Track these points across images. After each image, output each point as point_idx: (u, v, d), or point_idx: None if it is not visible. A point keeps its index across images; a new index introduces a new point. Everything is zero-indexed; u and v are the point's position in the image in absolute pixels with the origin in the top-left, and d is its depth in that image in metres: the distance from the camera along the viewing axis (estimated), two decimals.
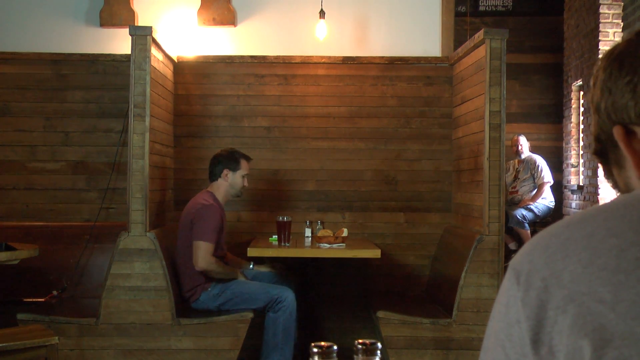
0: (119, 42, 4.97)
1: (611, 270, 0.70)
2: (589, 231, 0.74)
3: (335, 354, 0.93)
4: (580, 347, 0.69)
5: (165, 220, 4.69)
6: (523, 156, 7.58)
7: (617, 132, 0.85)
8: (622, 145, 0.85)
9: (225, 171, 4.36)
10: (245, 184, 4.42)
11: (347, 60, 5.09)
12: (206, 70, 5.10)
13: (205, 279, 4.25)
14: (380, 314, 4.23)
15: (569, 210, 8.21)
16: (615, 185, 0.89)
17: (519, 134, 7.76)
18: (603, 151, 0.90)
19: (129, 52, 4.27)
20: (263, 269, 4.58)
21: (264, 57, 5.09)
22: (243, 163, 4.40)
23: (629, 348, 0.66)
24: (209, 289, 4.24)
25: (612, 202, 0.78)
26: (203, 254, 4.17)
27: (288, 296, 4.14)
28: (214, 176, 4.40)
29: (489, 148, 4.28)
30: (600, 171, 7.08)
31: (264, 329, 4.19)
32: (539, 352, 0.72)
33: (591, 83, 0.91)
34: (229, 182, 4.37)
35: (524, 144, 7.62)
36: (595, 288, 0.70)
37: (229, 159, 4.37)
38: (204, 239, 4.17)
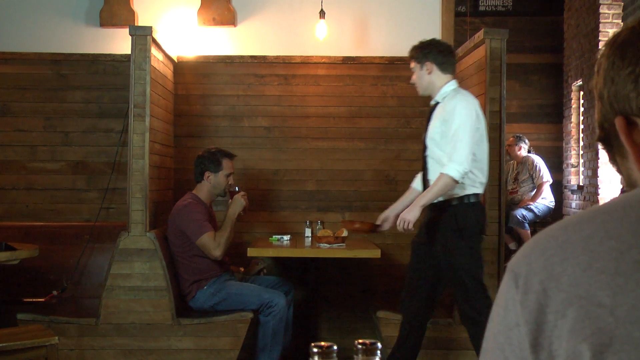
0: (119, 42, 4.97)
1: (610, 273, 0.69)
2: (587, 234, 0.73)
3: (335, 354, 0.92)
4: (580, 352, 0.68)
5: (165, 220, 4.69)
6: (509, 157, 7.56)
7: (618, 124, 0.84)
8: (622, 137, 0.83)
9: (206, 173, 4.36)
10: (231, 182, 4.42)
11: (347, 60, 5.09)
12: (206, 70, 5.10)
13: (200, 278, 4.27)
14: (380, 314, 4.23)
15: (569, 210, 8.21)
16: (619, 172, 0.88)
17: (515, 135, 7.65)
18: (606, 138, 0.88)
19: (129, 52, 4.27)
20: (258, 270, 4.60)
21: (264, 57, 5.09)
22: (225, 163, 4.39)
23: (629, 353, 0.66)
24: (205, 288, 4.26)
25: (610, 203, 0.77)
26: (210, 246, 4.19)
27: (279, 302, 4.18)
28: (197, 178, 4.41)
29: (489, 148, 4.27)
30: (601, 171, 7.08)
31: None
32: (538, 356, 0.72)
33: (595, 69, 0.90)
34: (211, 184, 4.37)
35: (515, 146, 7.55)
36: (594, 292, 0.69)
37: (210, 160, 4.37)
38: (201, 233, 4.20)
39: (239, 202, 4.31)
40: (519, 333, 0.74)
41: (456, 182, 3.51)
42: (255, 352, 4.26)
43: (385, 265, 4.98)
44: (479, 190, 3.70)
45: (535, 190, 7.44)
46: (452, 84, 3.71)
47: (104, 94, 5.03)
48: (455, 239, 3.60)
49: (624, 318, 0.67)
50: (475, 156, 3.60)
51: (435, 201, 3.64)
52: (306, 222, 4.88)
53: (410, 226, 3.57)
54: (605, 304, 0.68)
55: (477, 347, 3.71)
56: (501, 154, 4.30)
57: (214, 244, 4.18)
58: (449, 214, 3.62)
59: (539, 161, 7.49)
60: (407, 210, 3.60)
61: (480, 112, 3.66)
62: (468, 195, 3.63)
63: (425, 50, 3.69)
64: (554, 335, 0.70)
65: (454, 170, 3.50)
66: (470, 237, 3.62)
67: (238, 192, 4.38)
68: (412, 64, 3.76)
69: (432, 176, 3.68)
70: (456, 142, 3.52)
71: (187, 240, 4.26)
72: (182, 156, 5.03)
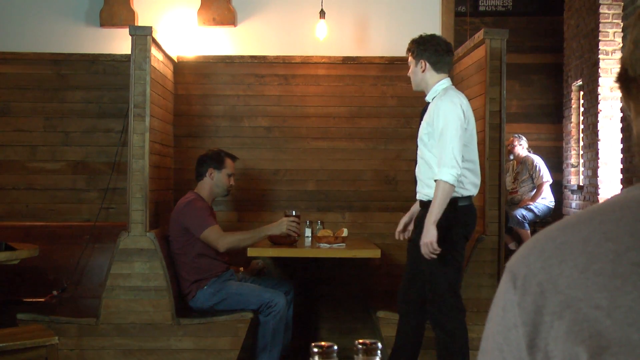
0: (119, 42, 4.97)
1: (607, 275, 0.68)
2: (585, 235, 0.72)
3: (335, 354, 0.92)
4: (576, 354, 0.68)
5: (165, 220, 4.69)
6: (512, 156, 7.62)
7: None
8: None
9: (210, 170, 4.41)
10: (232, 182, 4.48)
11: (347, 60, 5.09)
12: (206, 70, 5.10)
13: (200, 278, 4.27)
14: (380, 314, 4.23)
15: (569, 210, 8.21)
16: (630, 121, 0.83)
17: (515, 135, 7.75)
18: (627, 82, 0.81)
19: (129, 52, 4.27)
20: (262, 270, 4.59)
21: (264, 57, 5.09)
22: (228, 162, 4.46)
23: (626, 355, 0.65)
24: (205, 288, 4.26)
25: (609, 202, 0.76)
26: (215, 238, 4.20)
27: (279, 302, 4.19)
28: (199, 176, 4.45)
29: (489, 148, 4.28)
30: (601, 171, 7.07)
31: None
32: (534, 357, 0.71)
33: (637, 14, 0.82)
34: (214, 181, 4.42)
35: (517, 144, 7.63)
36: (591, 294, 0.69)
37: (214, 159, 4.43)
38: (205, 227, 4.21)
39: (282, 225, 4.21)
40: (517, 334, 0.73)
41: (452, 185, 3.45)
42: (255, 352, 4.26)
43: (385, 265, 4.98)
44: (471, 192, 3.63)
45: (535, 190, 7.44)
46: (444, 83, 3.66)
47: (104, 94, 5.03)
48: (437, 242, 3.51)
49: (622, 320, 0.66)
50: (464, 157, 3.54)
51: (426, 199, 3.61)
52: (306, 222, 4.88)
53: (435, 246, 3.44)
54: (603, 307, 0.67)
55: (442, 354, 3.68)
56: (501, 154, 4.29)
57: (217, 235, 4.18)
58: None
59: (539, 161, 7.50)
60: (423, 234, 3.48)
61: (469, 112, 3.59)
62: (458, 198, 3.55)
63: (422, 47, 3.67)
64: (550, 336, 0.70)
65: (447, 174, 3.43)
66: (452, 241, 3.54)
67: (293, 216, 4.29)
68: (409, 58, 3.75)
69: (421, 175, 3.66)
70: (444, 144, 3.46)
71: (189, 239, 4.26)
72: (182, 156, 5.03)
